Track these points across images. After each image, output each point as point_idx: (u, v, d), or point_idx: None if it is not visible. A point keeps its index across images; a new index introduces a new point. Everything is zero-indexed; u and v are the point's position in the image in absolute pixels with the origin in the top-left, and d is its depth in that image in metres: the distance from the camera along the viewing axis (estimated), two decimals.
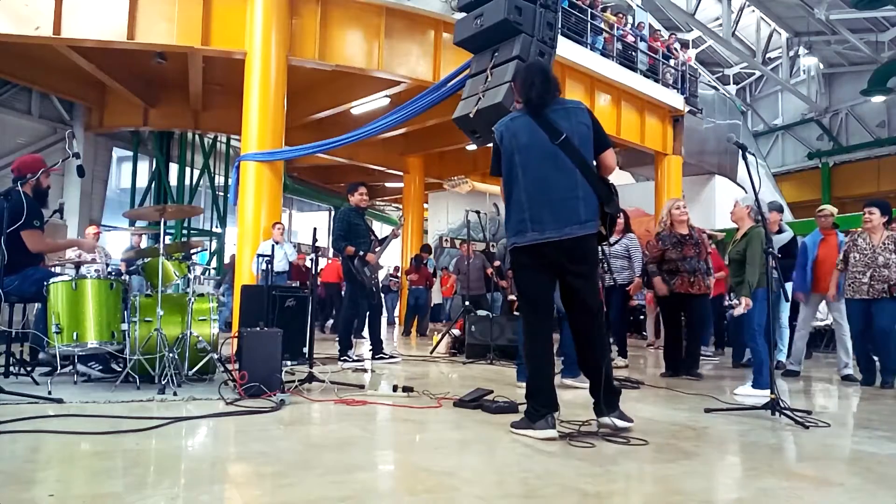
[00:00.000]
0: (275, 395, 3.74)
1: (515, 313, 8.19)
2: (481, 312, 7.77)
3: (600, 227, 3.13)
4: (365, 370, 5.73)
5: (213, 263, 16.20)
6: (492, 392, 3.89)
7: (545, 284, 3.16)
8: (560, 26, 8.97)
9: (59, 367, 4.21)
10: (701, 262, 6.08)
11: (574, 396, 4.41)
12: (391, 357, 6.58)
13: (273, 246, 8.57)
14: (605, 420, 3.05)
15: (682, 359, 6.09)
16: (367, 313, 6.69)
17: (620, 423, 3.04)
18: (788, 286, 6.19)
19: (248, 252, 8.86)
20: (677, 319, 6.22)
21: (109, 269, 5.11)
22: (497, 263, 11.41)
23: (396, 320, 16.69)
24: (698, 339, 6.40)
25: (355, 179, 7.65)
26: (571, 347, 4.91)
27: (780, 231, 6.73)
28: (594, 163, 3.14)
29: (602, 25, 12.61)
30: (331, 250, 18.72)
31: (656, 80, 13.62)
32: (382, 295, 8.88)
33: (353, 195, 6.60)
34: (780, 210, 7.01)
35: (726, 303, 5.20)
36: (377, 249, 6.52)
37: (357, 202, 6.59)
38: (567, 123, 3.08)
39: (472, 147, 15.20)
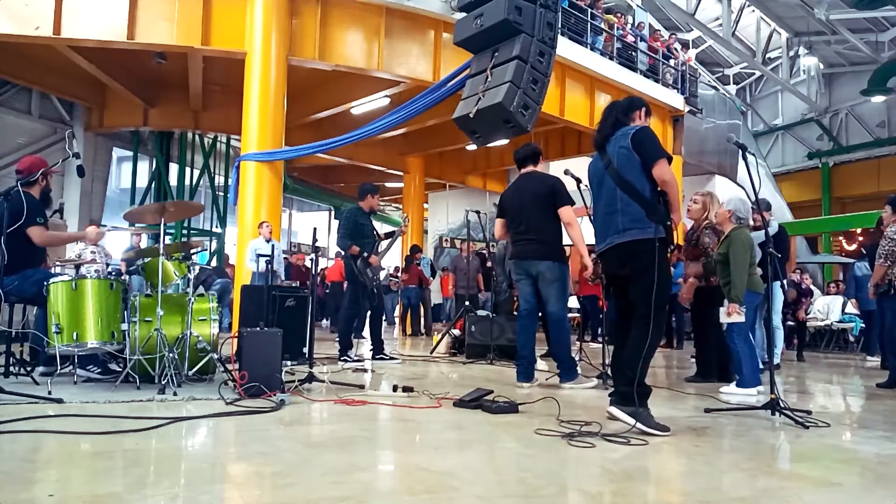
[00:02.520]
0: (275, 395, 3.73)
1: (515, 313, 8.18)
2: (481, 312, 7.77)
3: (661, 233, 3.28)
4: (365, 370, 5.73)
5: (213, 263, 16.21)
6: (492, 392, 3.89)
7: (617, 290, 3.55)
8: (560, 26, 8.98)
9: (59, 367, 4.21)
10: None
11: (574, 397, 4.41)
12: (391, 357, 6.58)
13: (273, 246, 8.58)
14: (608, 408, 3.26)
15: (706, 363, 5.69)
16: (368, 314, 6.69)
17: (618, 414, 3.18)
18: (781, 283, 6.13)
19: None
20: (697, 320, 5.99)
21: (109, 269, 5.10)
22: (489, 264, 11.44)
23: (396, 320, 16.70)
24: (703, 344, 5.78)
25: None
26: (565, 352, 4.92)
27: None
28: (645, 179, 3.31)
29: (602, 26, 12.62)
30: (331, 250, 18.77)
31: (656, 80, 13.62)
32: (383, 295, 8.89)
33: (370, 198, 6.59)
34: (768, 208, 6.91)
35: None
36: (382, 246, 6.52)
37: (371, 205, 6.61)
38: (612, 149, 3.42)
39: (472, 147, 15.22)
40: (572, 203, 4.83)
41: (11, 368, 4.25)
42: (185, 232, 16.06)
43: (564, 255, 4.91)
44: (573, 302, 10.94)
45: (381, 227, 7.34)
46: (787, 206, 19.41)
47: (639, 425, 3.07)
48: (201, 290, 10.53)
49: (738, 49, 19.64)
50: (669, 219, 3.31)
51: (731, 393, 4.72)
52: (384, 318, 9.29)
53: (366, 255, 6.31)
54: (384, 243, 6.58)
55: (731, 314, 4.59)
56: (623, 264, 3.37)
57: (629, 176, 3.32)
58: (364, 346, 7.89)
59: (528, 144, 5.23)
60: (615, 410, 3.21)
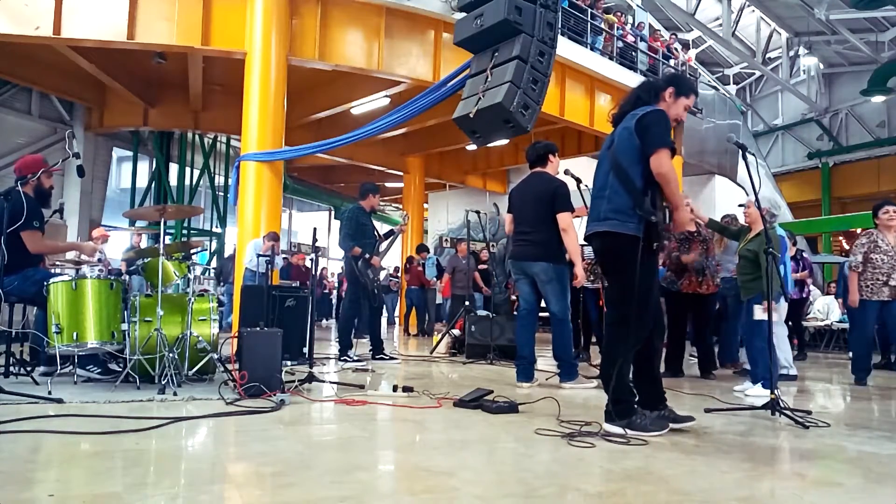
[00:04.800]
0: (275, 395, 3.74)
1: (515, 313, 8.19)
2: (482, 313, 7.77)
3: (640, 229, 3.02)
4: (365, 370, 5.73)
5: (214, 263, 16.21)
6: (492, 392, 3.89)
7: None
8: (560, 26, 8.98)
9: (59, 367, 4.21)
10: (710, 260, 5.92)
11: (574, 397, 4.41)
12: (391, 357, 6.58)
13: (271, 250, 8.57)
14: (603, 426, 3.10)
15: (682, 361, 5.96)
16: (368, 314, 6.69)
17: (612, 429, 3.03)
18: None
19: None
20: (683, 320, 6.12)
21: (109, 269, 5.10)
22: (483, 266, 11.43)
23: (396, 320, 16.70)
24: (709, 340, 6.10)
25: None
26: (566, 351, 4.92)
27: None
28: (640, 168, 3.06)
29: (602, 26, 12.62)
30: (331, 250, 18.76)
31: None
32: (383, 295, 8.90)
33: (372, 197, 6.60)
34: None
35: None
36: (382, 246, 6.53)
37: (372, 205, 6.62)
38: (619, 129, 3.23)
39: (472, 147, 15.21)
40: (572, 210, 4.80)
41: (11, 368, 4.26)
42: (185, 232, 16.07)
43: (562, 256, 4.83)
44: None
45: (382, 228, 7.37)
46: (787, 206, 19.39)
47: (637, 435, 3.00)
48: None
49: (738, 49, 19.62)
50: (655, 214, 3.02)
51: (757, 396, 4.52)
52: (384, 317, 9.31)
53: (367, 255, 6.31)
54: (384, 244, 6.59)
55: (774, 311, 4.49)
56: (600, 256, 3.28)
57: (625, 161, 3.08)
58: (364, 346, 7.89)
59: (538, 144, 5.20)
60: (608, 427, 3.05)
